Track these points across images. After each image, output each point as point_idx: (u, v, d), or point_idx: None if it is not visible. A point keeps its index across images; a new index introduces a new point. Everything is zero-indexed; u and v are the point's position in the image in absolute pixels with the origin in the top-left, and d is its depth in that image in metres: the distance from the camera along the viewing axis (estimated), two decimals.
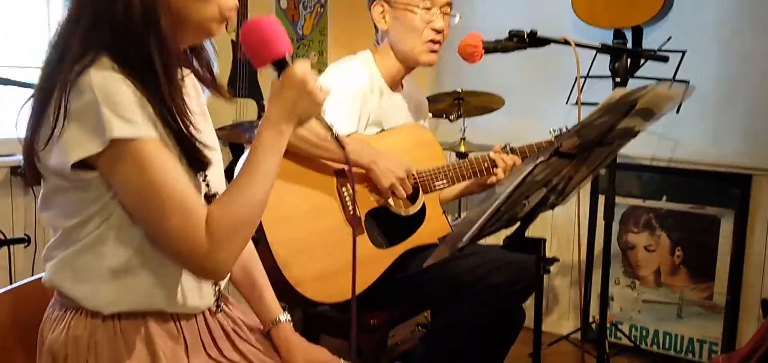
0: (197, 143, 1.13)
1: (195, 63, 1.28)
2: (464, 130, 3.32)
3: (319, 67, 4.37)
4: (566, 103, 3.26)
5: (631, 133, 1.45)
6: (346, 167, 1.96)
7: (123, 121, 1.02)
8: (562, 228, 3.59)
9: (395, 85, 2.15)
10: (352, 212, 1.93)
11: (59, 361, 1.16)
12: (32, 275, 2.91)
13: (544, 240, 1.43)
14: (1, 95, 2.43)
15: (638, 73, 2.52)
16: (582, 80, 3.19)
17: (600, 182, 3.15)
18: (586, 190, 3.42)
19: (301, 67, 1.16)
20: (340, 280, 1.81)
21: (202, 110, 1.31)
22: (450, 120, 3.14)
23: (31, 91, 1.16)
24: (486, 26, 3.64)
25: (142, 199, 1.08)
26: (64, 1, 3.09)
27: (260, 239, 1.78)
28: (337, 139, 1.21)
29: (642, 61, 2.21)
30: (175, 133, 1.11)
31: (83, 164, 1.06)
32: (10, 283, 2.69)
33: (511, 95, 3.32)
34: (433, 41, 2.06)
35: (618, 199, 3.16)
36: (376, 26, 2.12)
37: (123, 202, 1.10)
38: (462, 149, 3.26)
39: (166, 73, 1.09)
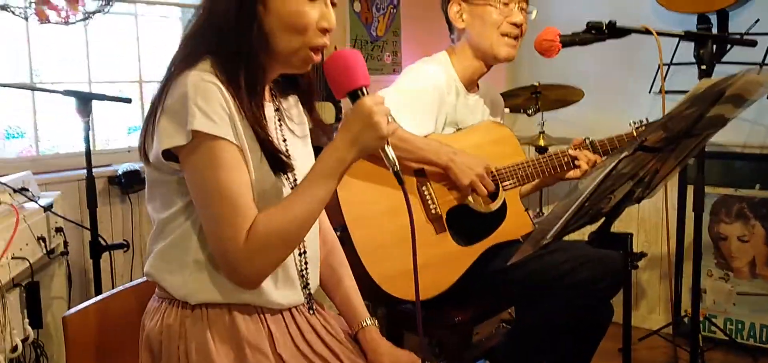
0: (276, 146, 1.21)
1: (300, 91, 1.38)
2: (543, 124, 3.28)
3: (394, 67, 4.41)
4: (649, 91, 3.16)
5: (722, 122, 1.40)
6: (424, 167, 1.98)
7: (206, 118, 1.11)
8: (650, 220, 3.49)
9: (471, 85, 2.15)
10: (433, 212, 1.95)
11: (155, 348, 1.26)
12: (131, 277, 3.10)
13: (631, 234, 1.40)
14: (98, 112, 2.59)
15: (725, 59, 2.42)
16: (665, 68, 3.09)
17: (688, 172, 3.04)
18: (674, 180, 3.31)
19: (371, 100, 1.19)
20: (423, 278, 1.83)
21: (304, 134, 1.39)
22: (528, 114, 3.11)
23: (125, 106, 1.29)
24: (563, 18, 3.60)
25: (204, 193, 1.15)
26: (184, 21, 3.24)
27: (345, 238, 1.83)
28: (396, 174, 1.22)
29: (728, 46, 2.11)
30: (258, 137, 1.18)
31: (173, 157, 1.16)
32: (112, 285, 2.89)
33: (591, 86, 3.25)
34: (511, 35, 2.05)
35: (708, 189, 3.04)
36: (451, 26, 2.12)
37: (191, 194, 1.18)
38: (541, 143, 3.23)
39: (249, 87, 1.17)
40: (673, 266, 3.31)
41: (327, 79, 1.23)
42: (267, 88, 1.32)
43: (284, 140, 1.32)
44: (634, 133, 2.14)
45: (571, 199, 1.22)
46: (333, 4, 1.25)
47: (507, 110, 3.14)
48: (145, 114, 1.23)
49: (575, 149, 2.10)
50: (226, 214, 1.14)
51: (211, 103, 1.12)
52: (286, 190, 1.27)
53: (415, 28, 4.47)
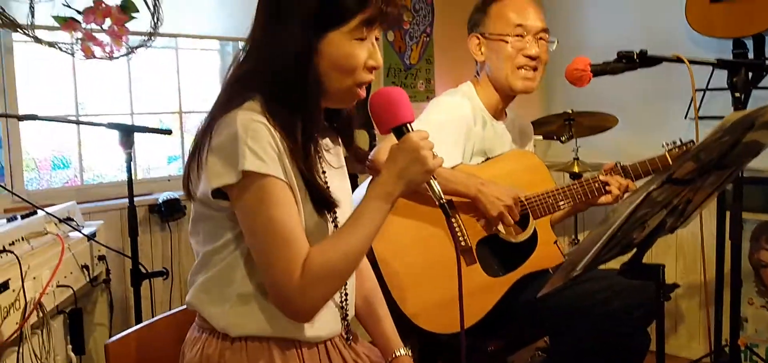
0: (323, 187, 1.24)
1: (339, 126, 1.42)
2: (577, 150, 3.27)
3: (427, 94, 4.45)
4: (685, 117, 3.13)
5: (757, 149, 1.39)
6: (453, 199, 2.00)
7: (256, 157, 1.15)
8: (689, 247, 3.43)
9: (498, 113, 2.17)
10: (463, 244, 1.96)
11: None
12: (170, 305, 3.16)
13: (663, 266, 1.39)
14: (140, 141, 2.66)
15: (762, 84, 2.38)
16: (701, 94, 3.06)
17: (726, 198, 2.99)
18: (711, 207, 3.26)
19: (417, 136, 1.23)
20: (453, 310, 1.83)
21: (340, 164, 1.42)
22: (561, 141, 3.10)
23: (165, 140, 1.33)
24: (597, 44, 3.63)
25: (257, 230, 1.19)
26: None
27: (374, 272, 1.85)
28: (442, 206, 1.25)
29: (765, 72, 2.08)
30: (304, 177, 1.22)
31: (222, 194, 1.19)
32: (152, 313, 2.96)
33: (627, 111, 3.24)
34: (526, 67, 2.06)
35: (747, 215, 2.99)
36: (474, 58, 2.16)
37: (243, 231, 1.21)
38: (575, 169, 3.21)
39: (305, 127, 1.22)
40: (712, 295, 3.24)
41: (371, 115, 1.28)
42: None
43: (324, 173, 1.35)
44: (667, 156, 2.12)
45: (599, 232, 1.22)
46: (376, 38, 1.30)
47: (539, 137, 3.14)
48: (190, 148, 1.27)
49: (606, 174, 2.09)
50: (279, 250, 1.18)
51: (260, 142, 1.15)
52: (329, 226, 1.30)
53: (449, 55, 4.50)
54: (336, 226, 1.31)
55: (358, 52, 1.24)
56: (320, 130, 1.39)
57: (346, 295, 1.38)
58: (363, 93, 1.30)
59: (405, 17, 4.32)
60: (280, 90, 1.21)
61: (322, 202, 1.26)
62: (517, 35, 2.04)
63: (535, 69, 2.08)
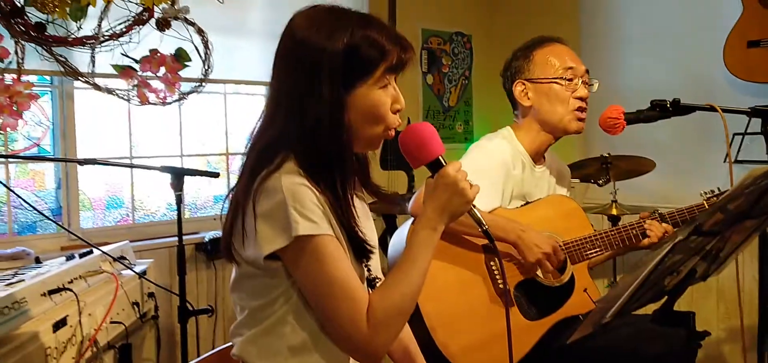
0: (362, 237, 1.30)
1: (357, 166, 1.45)
2: (615, 193, 3.28)
3: (465, 135, 4.52)
4: (724, 161, 3.12)
5: None
6: (492, 247, 2.05)
7: (306, 221, 1.20)
8: (729, 291, 3.39)
9: (538, 157, 2.21)
10: (501, 287, 2.00)
11: None
12: (214, 341, 3.26)
13: (693, 313, 1.42)
14: (188, 182, 2.78)
15: None
16: (740, 138, 3.05)
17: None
18: (752, 249, 3.23)
19: (454, 168, 1.29)
20: (491, 352, 1.87)
21: (364, 209, 1.48)
22: (598, 184, 3.12)
23: (211, 180, 1.38)
24: (635, 89, 3.65)
25: (318, 288, 1.24)
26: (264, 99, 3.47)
27: (413, 314, 1.90)
28: (487, 233, 1.30)
29: None
30: (346, 229, 1.28)
31: (272, 255, 1.24)
32: (198, 350, 3.06)
33: (665, 154, 3.25)
34: (579, 109, 2.11)
35: None
36: (515, 103, 2.20)
37: (302, 289, 1.27)
38: (614, 212, 3.22)
39: (342, 181, 1.28)
40: (753, 341, 3.18)
41: (403, 152, 1.32)
42: None
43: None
44: (705, 204, 2.14)
45: (628, 281, 1.26)
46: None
47: (576, 180, 3.17)
48: (227, 214, 1.31)
49: (644, 220, 2.12)
50: (342, 303, 1.23)
51: (307, 205, 1.21)
52: (364, 271, 1.35)
53: (487, 96, 4.58)
54: (369, 269, 1.36)
55: (384, 99, 1.29)
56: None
57: None
58: (392, 134, 1.35)
59: (444, 61, 4.41)
60: (315, 149, 1.25)
61: (361, 250, 1.32)
62: (568, 79, 2.10)
63: (585, 110, 2.13)
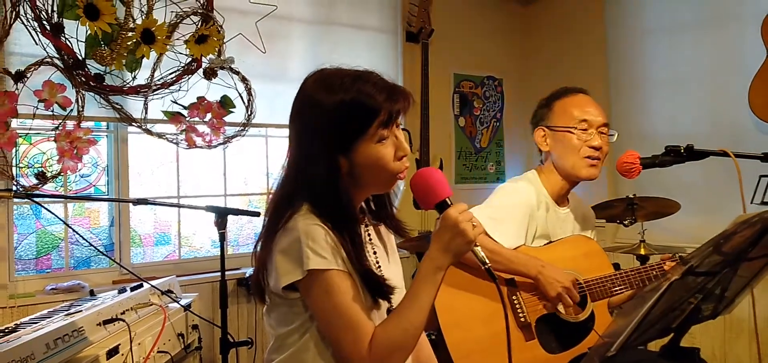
0: (376, 276, 1.42)
1: (375, 207, 1.58)
2: (643, 233, 3.34)
3: (497, 175, 4.63)
4: (751, 202, 3.16)
5: None
6: (515, 278, 2.16)
7: (317, 257, 1.34)
8: (763, 332, 3.39)
9: (561, 199, 2.32)
10: (523, 320, 2.11)
11: None
12: None
13: (698, 349, 1.50)
14: (231, 221, 2.95)
15: None
16: (766, 180, 3.10)
17: None
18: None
19: (455, 210, 1.38)
20: None
21: (392, 252, 1.59)
22: (625, 225, 3.19)
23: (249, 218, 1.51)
24: (663, 133, 3.72)
25: (326, 318, 1.38)
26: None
27: (439, 342, 2.02)
28: (488, 271, 1.39)
29: None
30: (358, 268, 1.40)
31: (291, 287, 1.39)
32: None
33: (693, 194, 3.30)
34: (591, 157, 2.22)
35: None
36: (539, 148, 2.33)
37: (315, 319, 1.41)
38: (642, 251, 3.27)
39: (348, 229, 1.40)
40: None
41: (414, 194, 1.45)
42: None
43: (374, 254, 1.53)
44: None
45: (630, 318, 1.36)
46: (404, 129, 1.48)
47: (603, 220, 3.25)
48: (254, 261, 1.46)
49: (664, 262, 2.19)
50: (347, 333, 1.36)
51: (319, 242, 1.35)
52: (383, 308, 1.46)
53: (518, 137, 4.69)
54: (390, 303, 1.47)
55: (384, 152, 1.40)
56: (370, 220, 1.58)
57: None
58: (403, 177, 1.47)
59: (476, 104, 4.55)
60: (320, 201, 1.39)
61: (374, 286, 1.42)
62: (582, 129, 2.21)
63: (598, 159, 2.23)
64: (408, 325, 1.37)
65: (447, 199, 1.40)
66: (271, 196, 1.51)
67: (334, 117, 1.38)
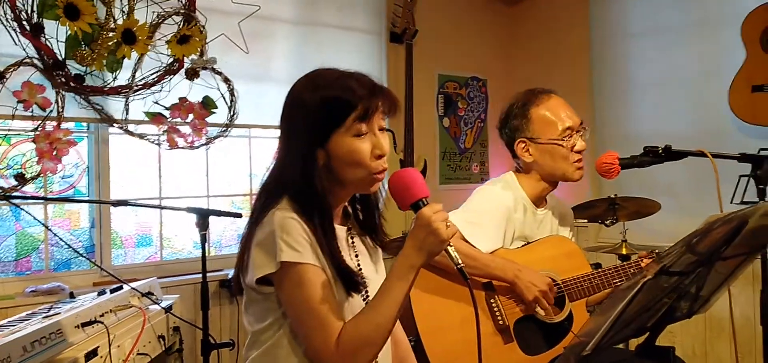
0: (348, 268, 1.42)
1: (363, 216, 1.59)
2: (625, 232, 3.36)
3: (482, 176, 4.64)
4: (731, 202, 3.19)
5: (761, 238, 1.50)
6: (492, 282, 2.17)
7: (290, 250, 1.35)
8: (740, 331, 3.42)
9: (539, 201, 2.32)
10: (501, 323, 2.12)
11: None
12: None
13: (673, 348, 1.52)
14: (213, 222, 2.94)
15: None
16: (746, 180, 3.13)
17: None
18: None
19: (429, 210, 1.38)
20: None
21: (377, 262, 1.60)
22: (606, 225, 3.22)
23: (232, 220, 1.52)
24: (646, 132, 3.75)
25: (296, 311, 1.39)
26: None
27: (418, 349, 2.02)
28: (461, 271, 1.39)
29: None
30: (331, 260, 1.41)
31: (266, 280, 1.40)
32: None
33: (672, 194, 3.33)
34: (579, 160, 2.22)
35: None
36: (514, 155, 2.31)
37: (287, 312, 1.41)
38: (624, 251, 3.30)
39: (322, 218, 1.41)
40: None
41: (392, 195, 1.45)
42: (341, 211, 1.55)
43: (356, 257, 1.54)
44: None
45: (604, 318, 1.37)
46: (387, 129, 1.48)
47: (584, 220, 3.27)
48: (238, 250, 1.48)
49: (641, 260, 2.21)
50: (316, 326, 1.37)
51: (293, 235, 1.36)
52: (359, 302, 1.47)
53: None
54: (367, 298, 1.48)
55: (361, 146, 1.41)
56: (356, 227, 1.58)
57: None
58: (381, 177, 1.48)
59: (460, 104, 4.56)
60: (297, 192, 1.41)
61: (349, 282, 1.43)
62: (567, 136, 2.21)
63: (582, 159, 2.23)
64: (379, 321, 1.38)
65: (422, 200, 1.40)
66: (256, 193, 1.53)
67: (314, 112, 1.41)
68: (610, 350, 1.90)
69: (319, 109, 1.41)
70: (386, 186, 1.50)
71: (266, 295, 1.43)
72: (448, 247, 1.38)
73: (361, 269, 1.53)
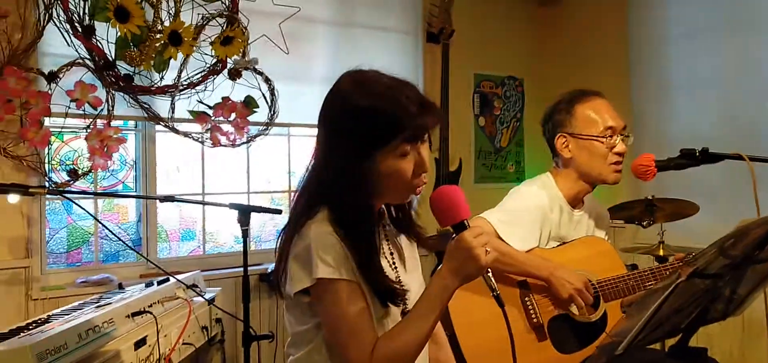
0: (388, 284, 1.44)
1: (396, 214, 1.60)
2: (662, 234, 3.35)
3: (517, 175, 4.65)
4: None
5: None
6: (527, 279, 2.20)
7: (326, 266, 1.37)
8: None
9: (576, 202, 2.34)
10: (535, 321, 2.15)
11: None
12: None
13: (706, 349, 1.53)
14: (253, 218, 3.02)
15: None
16: None
17: None
18: None
19: (470, 234, 1.37)
20: None
21: (410, 258, 1.62)
22: (643, 226, 3.21)
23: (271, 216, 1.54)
24: (684, 134, 3.72)
25: (332, 325, 1.42)
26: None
27: (453, 345, 2.06)
28: (497, 298, 1.40)
29: None
30: (368, 277, 1.42)
31: (304, 291, 1.42)
32: None
33: (711, 196, 3.30)
34: (617, 163, 2.24)
35: None
36: (554, 152, 2.34)
37: (323, 325, 1.45)
38: (661, 252, 3.29)
39: (364, 234, 1.42)
40: None
41: (432, 211, 1.45)
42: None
43: (394, 264, 1.55)
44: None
45: (639, 316, 1.40)
46: (428, 141, 1.46)
47: (621, 221, 3.26)
48: (276, 255, 1.49)
49: (677, 262, 2.22)
50: (350, 341, 1.39)
51: (329, 252, 1.36)
52: (397, 313, 1.48)
53: (538, 138, 4.67)
54: (405, 307, 1.49)
55: (404, 167, 1.40)
56: (390, 225, 1.60)
57: None
58: (420, 191, 1.48)
59: (496, 104, 4.58)
60: (337, 206, 1.40)
61: (386, 295, 1.44)
62: (608, 136, 2.22)
63: (621, 163, 2.25)
64: (410, 338, 1.39)
65: (465, 222, 1.40)
66: (294, 195, 1.53)
67: (363, 120, 1.38)
68: (642, 350, 1.92)
69: (368, 120, 1.37)
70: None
71: (304, 305, 1.46)
72: (486, 274, 1.38)
73: (396, 269, 1.55)
